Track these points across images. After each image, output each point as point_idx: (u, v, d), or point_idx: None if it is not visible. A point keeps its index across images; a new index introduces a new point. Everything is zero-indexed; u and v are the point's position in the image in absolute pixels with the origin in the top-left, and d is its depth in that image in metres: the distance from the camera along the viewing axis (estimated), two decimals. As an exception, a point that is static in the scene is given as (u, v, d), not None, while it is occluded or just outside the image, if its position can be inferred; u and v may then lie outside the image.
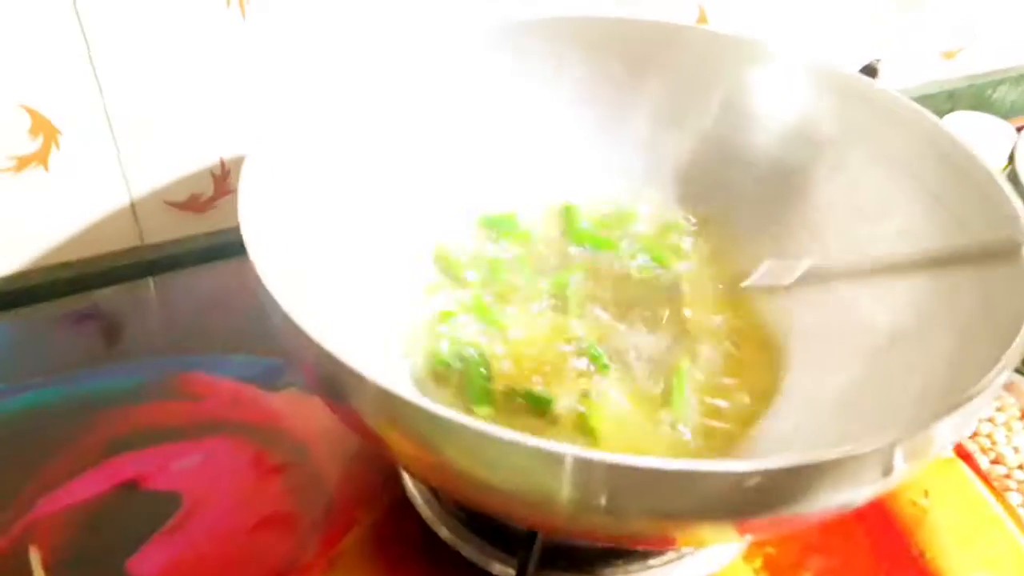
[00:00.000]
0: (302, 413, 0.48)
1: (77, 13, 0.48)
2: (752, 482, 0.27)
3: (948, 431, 0.32)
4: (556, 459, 0.27)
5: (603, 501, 0.29)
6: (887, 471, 0.31)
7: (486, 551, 0.42)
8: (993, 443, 0.55)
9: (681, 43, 0.50)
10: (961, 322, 0.40)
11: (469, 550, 0.42)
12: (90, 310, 0.55)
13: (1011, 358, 0.34)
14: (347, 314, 0.43)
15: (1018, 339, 0.35)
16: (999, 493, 0.46)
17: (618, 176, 0.52)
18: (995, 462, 0.55)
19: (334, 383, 0.32)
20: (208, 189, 0.58)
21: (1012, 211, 0.39)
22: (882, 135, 0.46)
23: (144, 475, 0.45)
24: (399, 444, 0.32)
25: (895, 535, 0.44)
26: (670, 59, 0.50)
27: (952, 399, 0.32)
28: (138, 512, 0.43)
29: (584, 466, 0.27)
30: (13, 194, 0.52)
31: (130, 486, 0.44)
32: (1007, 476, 0.54)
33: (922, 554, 0.43)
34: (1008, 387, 0.59)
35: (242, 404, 0.48)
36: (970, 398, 0.31)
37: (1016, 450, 0.55)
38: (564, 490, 0.28)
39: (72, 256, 0.56)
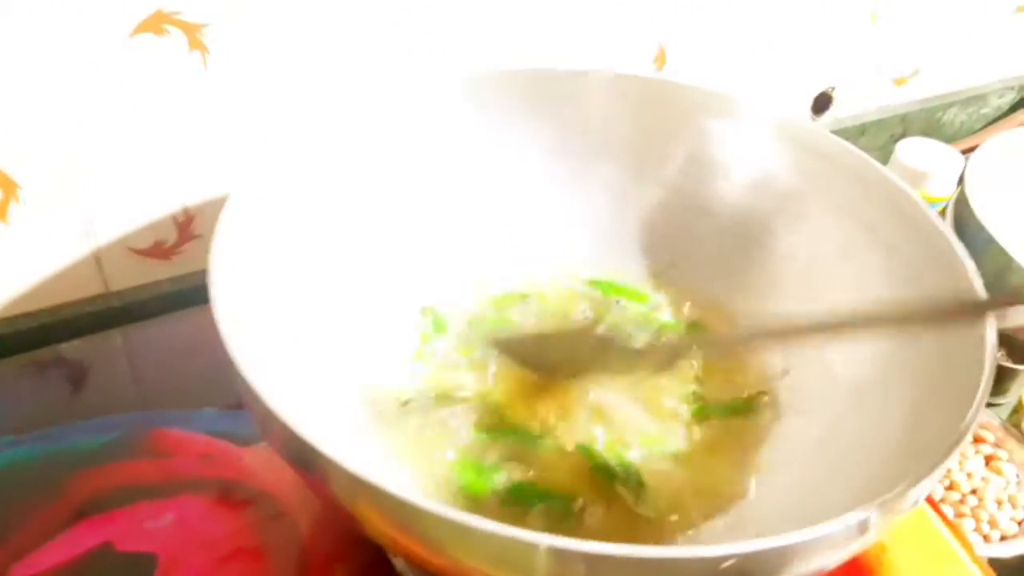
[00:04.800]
0: (274, 467, 0.47)
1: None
2: (728, 564, 0.29)
3: (919, 493, 0.33)
4: (530, 548, 0.28)
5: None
6: (861, 535, 0.32)
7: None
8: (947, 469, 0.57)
9: (644, 95, 0.51)
10: (922, 378, 0.41)
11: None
12: (56, 362, 0.54)
13: (972, 419, 0.35)
14: (318, 372, 0.43)
15: (978, 395, 0.36)
16: (958, 531, 0.48)
17: (584, 229, 0.53)
18: (949, 488, 0.57)
19: (301, 458, 0.32)
20: (172, 235, 0.58)
21: (960, 266, 0.41)
22: (838, 186, 0.47)
23: (118, 536, 0.45)
24: (368, 522, 0.32)
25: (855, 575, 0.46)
26: (634, 112, 0.51)
27: (924, 459, 0.33)
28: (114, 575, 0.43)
29: (558, 555, 0.28)
30: (-28, 248, 0.52)
31: (104, 548, 0.44)
32: (961, 502, 0.56)
33: (882, 593, 0.45)
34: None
35: (213, 460, 0.48)
36: (939, 462, 0.33)
37: (969, 476, 0.57)
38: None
39: (35, 306, 0.56)
